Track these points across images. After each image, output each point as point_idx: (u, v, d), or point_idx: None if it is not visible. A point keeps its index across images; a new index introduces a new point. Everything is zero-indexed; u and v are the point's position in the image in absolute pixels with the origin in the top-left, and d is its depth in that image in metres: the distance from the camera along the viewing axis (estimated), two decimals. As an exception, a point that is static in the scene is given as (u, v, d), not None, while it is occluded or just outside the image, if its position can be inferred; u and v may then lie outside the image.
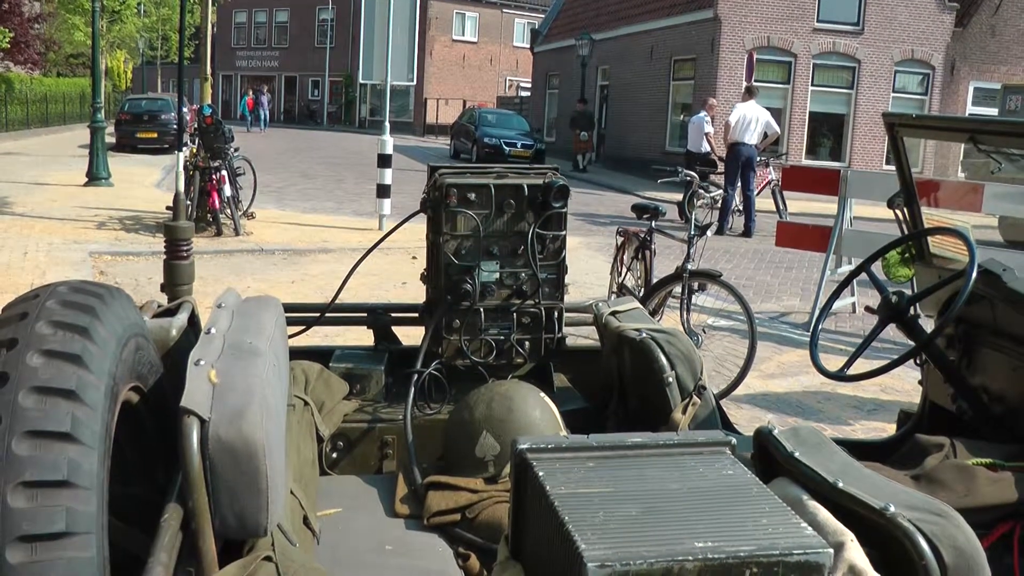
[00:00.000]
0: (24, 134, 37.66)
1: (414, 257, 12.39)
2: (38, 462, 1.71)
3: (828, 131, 32.86)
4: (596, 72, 39.65)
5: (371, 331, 3.72)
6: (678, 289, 8.36)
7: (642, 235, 9.28)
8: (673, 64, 34.19)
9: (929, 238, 3.95)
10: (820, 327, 3.99)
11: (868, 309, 3.82)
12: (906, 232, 4.04)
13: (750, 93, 19.99)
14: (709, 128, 20.92)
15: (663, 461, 2.05)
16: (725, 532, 1.72)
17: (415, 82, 18.19)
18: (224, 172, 14.73)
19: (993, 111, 21.65)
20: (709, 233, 8.91)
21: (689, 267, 8.25)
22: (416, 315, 3.69)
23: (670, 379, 3.02)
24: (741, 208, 19.43)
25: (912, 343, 3.59)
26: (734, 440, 2.14)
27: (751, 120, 19.22)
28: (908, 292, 3.67)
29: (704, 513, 1.80)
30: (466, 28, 65.08)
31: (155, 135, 32.31)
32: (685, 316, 8.26)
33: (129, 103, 34.09)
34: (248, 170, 16.20)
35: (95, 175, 20.93)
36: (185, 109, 35.75)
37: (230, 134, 15.46)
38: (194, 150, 15.41)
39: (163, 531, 1.88)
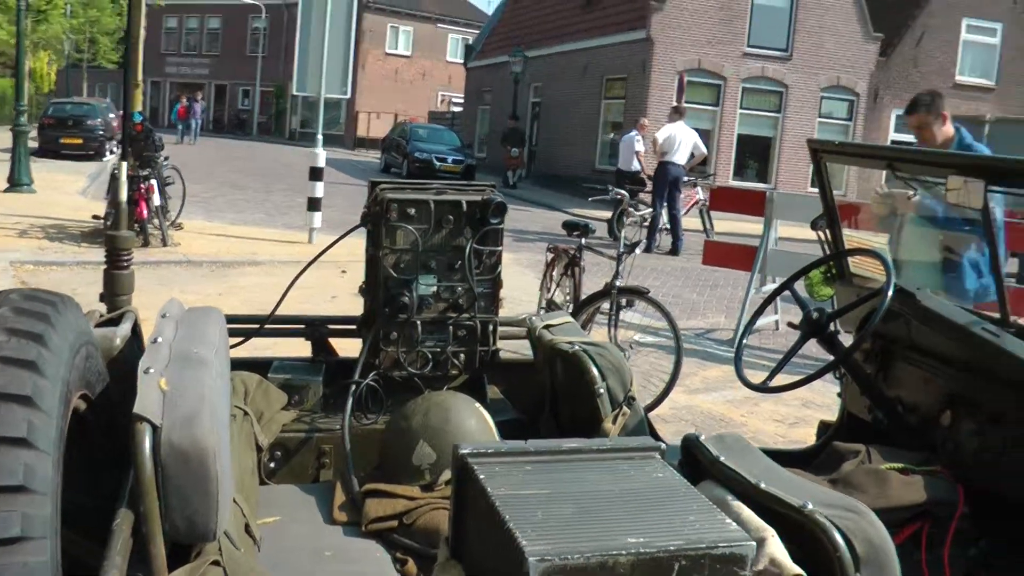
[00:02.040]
0: (-58, 138, 37.00)
1: (343, 271, 12.41)
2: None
3: (755, 153, 33.34)
4: (528, 89, 39.85)
5: (308, 343, 3.80)
6: (606, 305, 8.50)
7: (572, 252, 9.42)
8: (605, 83, 34.51)
9: (849, 258, 4.11)
10: (744, 342, 4.13)
11: (791, 325, 3.96)
12: (828, 252, 4.20)
13: (678, 113, 20.28)
14: (640, 147, 21.17)
15: (597, 465, 2.16)
16: (655, 529, 1.83)
17: (349, 95, 18.21)
18: (153, 181, 14.57)
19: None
20: (637, 251, 9.07)
21: (617, 284, 8.40)
22: (354, 327, 3.76)
23: (601, 390, 3.13)
24: (668, 227, 19.65)
25: (832, 357, 3.74)
26: (663, 446, 2.26)
27: (679, 140, 19.50)
28: (828, 310, 3.82)
29: (636, 512, 1.91)
30: (400, 42, 65.03)
31: (80, 141, 31.76)
32: (613, 332, 8.40)
33: (53, 107, 33.37)
34: (177, 179, 16.11)
35: (17, 181, 20.44)
36: (112, 115, 35.42)
37: (160, 142, 15.38)
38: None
39: (115, 536, 1.93)
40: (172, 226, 15.32)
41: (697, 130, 29.87)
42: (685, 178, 20.52)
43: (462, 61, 54.23)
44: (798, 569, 1.98)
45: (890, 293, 3.42)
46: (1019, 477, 3.18)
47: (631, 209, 11.79)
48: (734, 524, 1.93)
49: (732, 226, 19.67)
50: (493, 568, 1.88)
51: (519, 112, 37.20)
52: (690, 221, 21.13)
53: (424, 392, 3.45)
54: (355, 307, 3.94)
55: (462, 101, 54.46)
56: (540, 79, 39.49)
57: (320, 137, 16.66)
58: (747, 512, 2.07)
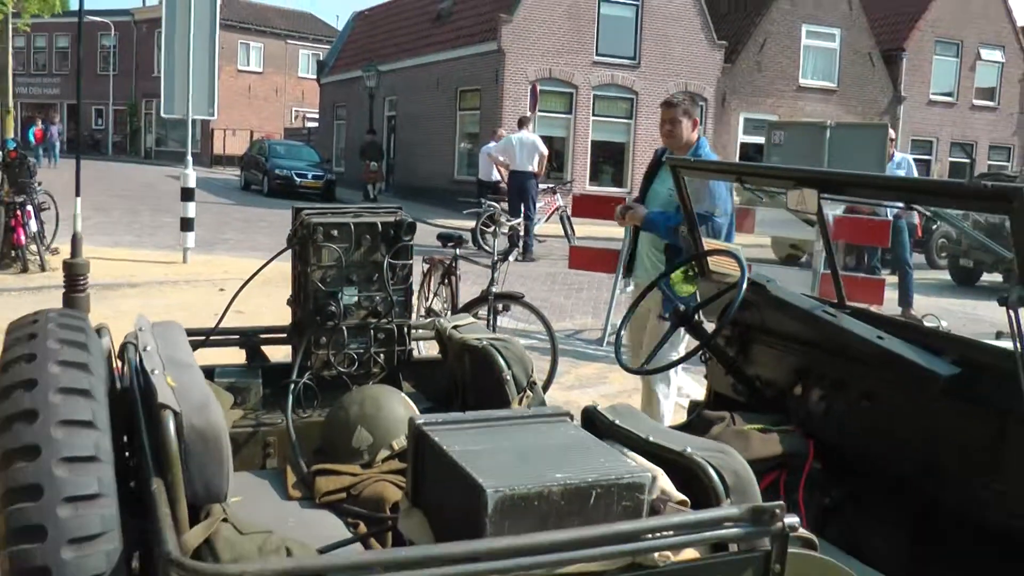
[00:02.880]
0: None
1: (221, 289, 12.78)
2: (72, 443, 2.27)
3: (610, 159, 34.28)
4: (384, 103, 40.25)
5: (243, 351, 4.29)
6: (484, 311, 9.08)
7: (448, 262, 9.99)
8: (459, 95, 35.07)
9: (709, 258, 4.76)
10: (621, 333, 4.77)
11: (661, 317, 4.60)
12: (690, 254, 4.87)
13: (521, 124, 20.86)
14: (501, 157, 21.72)
15: (523, 428, 2.76)
16: (576, 468, 2.42)
17: (216, 116, 18.49)
18: (29, 207, 14.78)
19: (761, 140, 23.33)
20: (511, 258, 9.68)
21: (494, 290, 9.00)
22: (282, 336, 4.27)
23: (508, 377, 3.69)
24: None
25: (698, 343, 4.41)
26: (571, 413, 2.87)
27: (519, 148, 20.08)
28: (693, 304, 4.49)
29: (559, 458, 2.50)
30: (251, 58, 64.85)
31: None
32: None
33: (-94, 136, 32.85)
34: (51, 204, 16.24)
35: None
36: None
37: (34, 168, 15.50)
38: (-5, 186, 15.42)
39: (158, 497, 2.44)
40: (49, 251, 15.45)
41: (552, 138, 30.68)
42: (543, 185, 21.19)
43: (315, 77, 54.33)
44: (683, 496, 2.57)
45: (744, 285, 4.08)
46: (861, 433, 3.86)
47: (503, 220, 12.39)
48: (634, 463, 2.54)
49: (591, 230, 20.40)
50: (451, 507, 2.44)
51: (376, 126, 37.58)
52: (552, 227, 21.82)
53: (351, 388, 3.99)
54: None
55: (317, 116, 54.54)
56: (395, 93, 39.90)
57: (190, 158, 16.93)
58: (640, 459, 2.66)
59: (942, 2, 40.15)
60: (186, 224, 16.51)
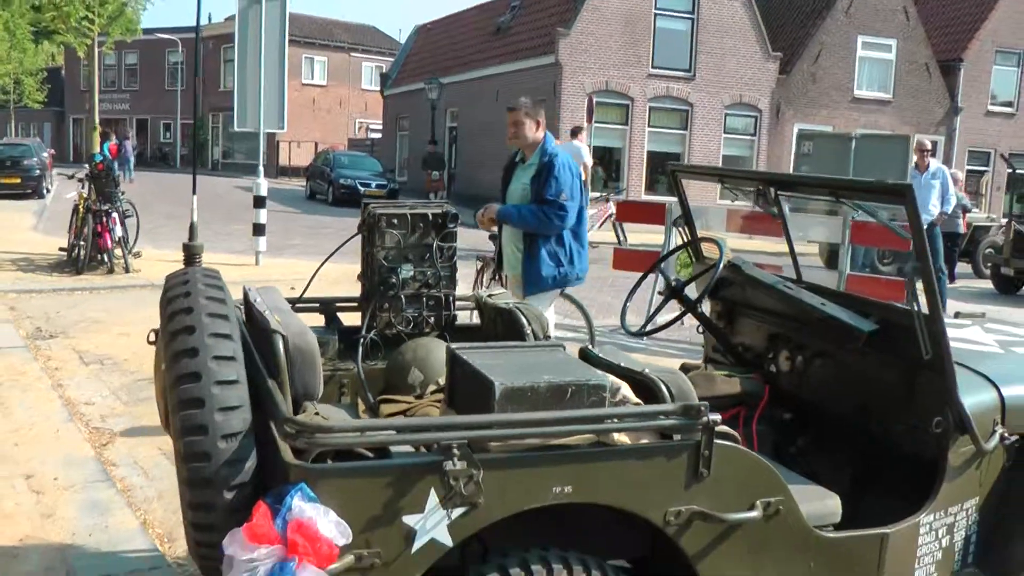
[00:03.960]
0: None
1: (292, 287, 13.87)
2: (224, 372, 3.26)
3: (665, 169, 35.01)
4: (445, 114, 41.33)
5: (322, 316, 5.34)
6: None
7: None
8: (519, 107, 35.98)
9: (703, 245, 5.77)
10: (627, 306, 5.80)
11: (660, 293, 5.64)
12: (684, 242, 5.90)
13: (574, 133, 21.80)
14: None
15: (526, 351, 3.83)
16: (559, 374, 3.44)
17: (286, 129, 19.66)
18: (115, 214, 16.09)
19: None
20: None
21: (539, 284, 10.03)
22: (353, 304, 5.31)
23: (528, 331, 4.69)
24: None
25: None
26: (565, 345, 3.92)
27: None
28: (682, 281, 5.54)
29: (548, 368, 3.51)
30: (315, 72, 66.17)
31: (18, 180, 32.82)
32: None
33: (-9, 149, 34.39)
34: (133, 212, 17.52)
35: (-27, 221, 21.76)
36: (46, 154, 36.33)
37: (118, 179, 16.84)
38: (83, 194, 16.72)
39: (274, 390, 3.45)
40: (132, 254, 16.72)
41: (608, 148, 31.60)
42: (595, 194, 22.14)
43: (378, 89, 55.46)
44: (639, 400, 3.59)
45: (720, 265, 5.12)
46: (810, 381, 4.87)
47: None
48: (601, 374, 3.57)
49: (644, 237, 21.30)
50: (472, 400, 3.45)
51: (437, 136, 38.69)
52: (606, 234, 22.79)
53: (408, 342, 5.03)
54: (360, 289, 5.48)
55: (380, 127, 55.66)
56: (456, 104, 40.98)
57: (262, 168, 18.17)
58: (612, 376, 3.67)
59: (1002, 11, 39.90)
60: (258, 229, 17.76)
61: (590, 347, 4.12)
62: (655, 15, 33.81)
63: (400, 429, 3.28)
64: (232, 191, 39.56)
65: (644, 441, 3.48)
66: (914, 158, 15.76)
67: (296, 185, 49.18)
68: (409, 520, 3.13)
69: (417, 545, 3.15)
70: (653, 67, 33.92)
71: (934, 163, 16.07)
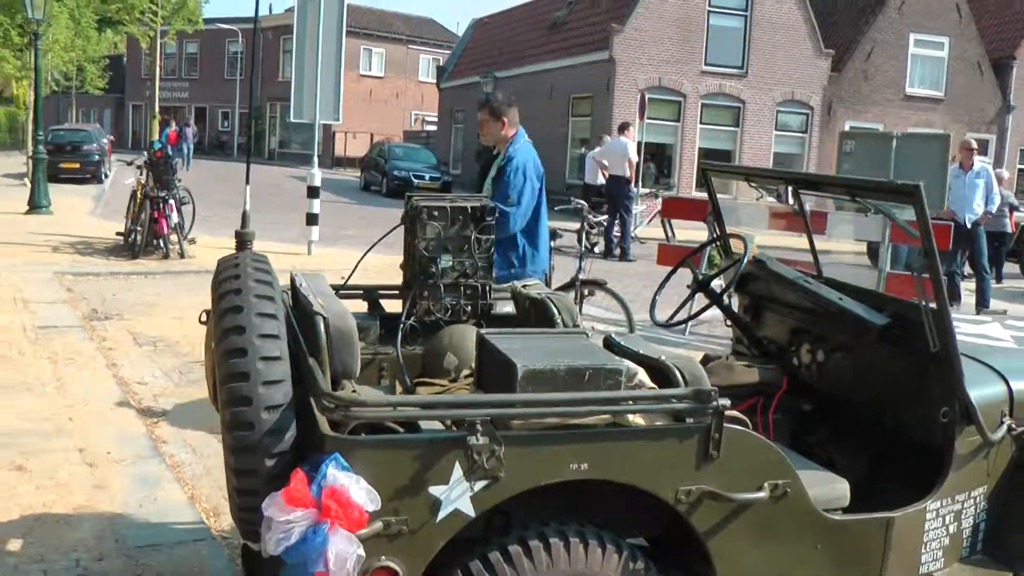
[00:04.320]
0: (-60, 164, 38.43)
1: (343, 277, 14.16)
2: (268, 349, 3.51)
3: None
4: (500, 108, 41.51)
5: (366, 303, 5.60)
6: (572, 295, 10.37)
7: (543, 253, 11.30)
8: (572, 102, 36.31)
9: (731, 240, 5.98)
10: (656, 298, 6.02)
11: (688, 286, 5.87)
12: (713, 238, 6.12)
13: (621, 129, 21.98)
14: (605, 161, 22.82)
15: (550, 337, 4.07)
16: (578, 358, 3.67)
17: (341, 121, 19.99)
18: (171, 201, 16.48)
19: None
20: (596, 250, 10.97)
21: (580, 276, 10.28)
22: (394, 292, 5.57)
23: (558, 320, 4.91)
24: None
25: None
26: (588, 332, 4.15)
27: (614, 153, 21.28)
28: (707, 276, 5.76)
29: (569, 352, 3.74)
30: (372, 63, 66.67)
31: (78, 165, 33.62)
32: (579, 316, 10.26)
33: (52, 134, 34.70)
34: (190, 199, 17.92)
35: (36, 204, 22.31)
36: (105, 140, 36.99)
37: (175, 167, 17.25)
38: (141, 180, 17.14)
39: (314, 367, 3.73)
40: (187, 241, 17.12)
41: (660, 144, 31.74)
42: (646, 190, 22.31)
43: (434, 81, 55.78)
44: (654, 385, 3.81)
45: (744, 260, 5.33)
46: (828, 372, 5.07)
47: (589, 217, 13.59)
48: (619, 358, 3.80)
49: (692, 234, 21.46)
50: (498, 381, 3.69)
51: (491, 130, 38.90)
52: (655, 230, 22.95)
53: (445, 328, 5.28)
54: (401, 278, 5.74)
55: (435, 120, 55.96)
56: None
57: (316, 159, 18.49)
58: (629, 362, 3.90)
59: (1057, 9, 39.37)
60: (311, 219, 18.12)
61: (613, 336, 4.34)
62: (709, 12, 33.96)
63: (427, 405, 3.54)
64: (287, 180, 39.99)
65: (658, 423, 3.70)
66: (958, 156, 15.79)
67: (351, 176, 49.61)
68: (435, 491, 3.37)
69: (442, 515, 3.40)
70: (706, 64, 34.08)
71: (978, 162, 16.11)
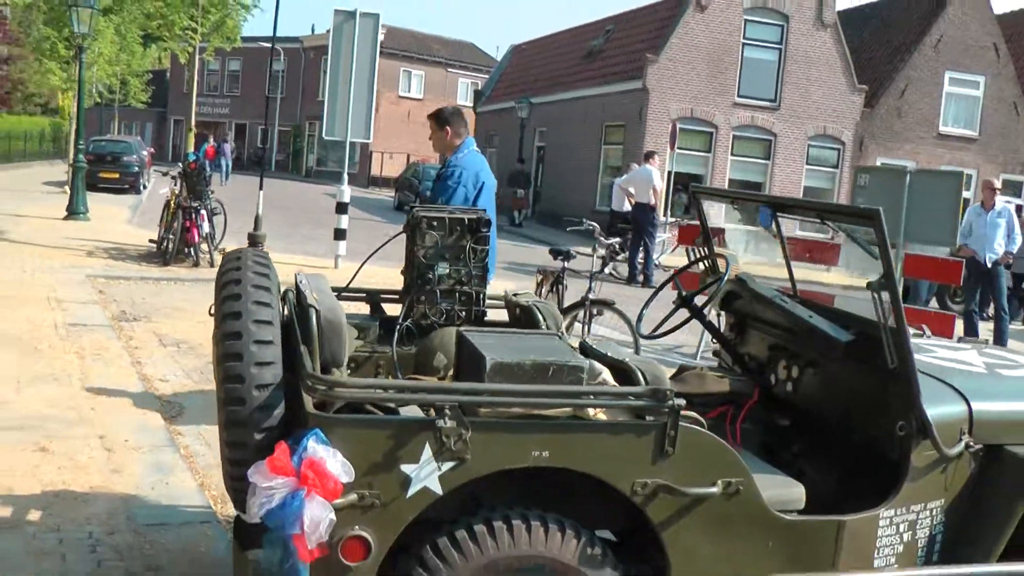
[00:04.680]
0: (-12, 170, 39.24)
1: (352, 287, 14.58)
2: (261, 334, 3.88)
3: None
4: (534, 133, 42.03)
5: (368, 305, 5.97)
6: (582, 314, 10.73)
7: (556, 273, 11.67)
8: (604, 130, 36.61)
9: (717, 259, 6.31)
10: (643, 313, 6.36)
11: (674, 302, 6.20)
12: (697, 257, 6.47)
13: (647, 157, 22.28)
14: (631, 188, 23.10)
15: (524, 336, 4.44)
16: (544, 355, 4.02)
17: (371, 140, 20.46)
18: (203, 211, 16.99)
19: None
20: (606, 270, 11.31)
21: (590, 296, 10.63)
22: (395, 296, 5.93)
23: (541, 324, 5.27)
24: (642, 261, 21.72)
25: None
26: (562, 332, 4.50)
27: (640, 180, 21.61)
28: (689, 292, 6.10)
29: (537, 350, 4.10)
30: (412, 85, 67.27)
31: (117, 175, 34.36)
32: (587, 334, 10.61)
33: (93, 144, 35.33)
34: (221, 210, 18.41)
35: (74, 210, 22.90)
36: (145, 152, 37.65)
37: (209, 178, 17.76)
38: (175, 190, 17.63)
39: (304, 354, 4.06)
40: (217, 250, 17.58)
41: (690, 174, 31.99)
42: (672, 218, 22.60)
43: (471, 105, 56.29)
44: (614, 381, 4.16)
45: (725, 278, 5.67)
46: (799, 386, 5.38)
47: (600, 239, 13.91)
48: (582, 357, 4.15)
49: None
50: (470, 372, 4.05)
51: (525, 155, 39.48)
52: (679, 258, 23.19)
53: (437, 330, 5.64)
54: (401, 283, 6.11)
55: (472, 143, 56.38)
56: (544, 124, 41.66)
57: (346, 176, 18.97)
58: (597, 363, 4.24)
59: (1095, 52, 39.06)
60: (339, 234, 18.62)
61: (587, 341, 4.69)
62: (743, 45, 34.19)
63: (401, 389, 3.92)
64: (322, 197, 40.50)
65: (619, 419, 4.04)
66: (969, 194, 16.02)
67: (385, 195, 50.14)
68: (406, 469, 3.73)
69: (412, 491, 3.75)
70: (738, 96, 34.27)
71: (1000, 201, 16.33)
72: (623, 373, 4.26)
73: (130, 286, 14.74)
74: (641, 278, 20.92)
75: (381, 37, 19.09)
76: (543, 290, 11.94)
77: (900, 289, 12.86)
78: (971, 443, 4.64)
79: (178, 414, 8.32)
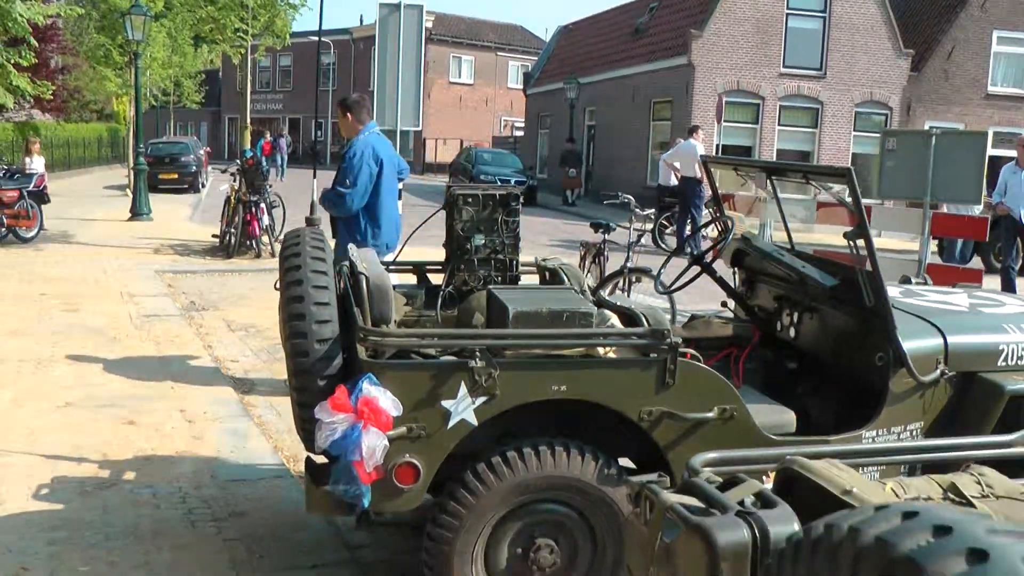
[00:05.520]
0: (50, 177, 40.16)
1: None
2: (319, 296, 4.58)
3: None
4: (584, 113, 42.48)
5: (415, 275, 6.68)
6: (622, 282, 11.37)
7: (598, 245, 12.31)
8: (652, 106, 37.00)
9: (727, 221, 6.93)
10: (662, 271, 7.00)
11: (687, 259, 6.85)
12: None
13: (691, 132, 22.66)
14: (676, 163, 23.51)
15: (544, 291, 5.16)
16: (559, 304, 4.68)
17: (421, 127, 21.10)
18: (263, 205, 17.81)
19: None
20: (643, 240, 11.93)
21: (628, 265, 11.27)
22: (439, 266, 6.62)
23: (566, 283, 5.93)
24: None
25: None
26: (576, 288, 5.17)
27: (685, 155, 22.00)
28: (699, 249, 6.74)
29: (554, 301, 4.77)
30: (463, 71, 67.83)
31: (175, 176, 35.27)
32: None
33: (151, 146, 36.27)
34: (280, 203, 19.23)
35: (138, 211, 23.87)
36: (202, 152, 38.59)
37: (267, 173, 18.57)
38: (235, 186, 18.44)
39: (358, 314, 4.77)
40: (278, 241, 18.34)
41: (738, 147, 32.29)
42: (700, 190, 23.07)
43: (522, 87, 56.75)
44: (622, 325, 4.82)
45: (730, 237, 6.30)
46: (807, 333, 5.99)
47: (636, 211, 14.48)
48: (592, 305, 4.82)
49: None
50: (498, 322, 4.73)
51: (575, 135, 39.91)
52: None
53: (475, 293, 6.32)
54: (444, 254, 6.79)
55: (523, 125, 56.88)
56: (594, 104, 42.11)
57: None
58: (605, 309, 4.90)
59: None
60: (391, 219, 19.33)
61: (603, 294, 5.37)
62: (787, 15, 34.34)
63: (439, 336, 4.61)
64: (376, 187, 41.12)
65: (627, 356, 4.71)
66: (997, 152, 16.34)
67: (440, 181, 50.65)
68: (446, 404, 4.42)
69: (451, 423, 4.44)
70: (784, 66, 34.43)
71: (1027, 159, 16.63)
72: (630, 319, 4.92)
73: (197, 279, 15.58)
74: (689, 249, 21.27)
75: (429, 24, 19.74)
76: (587, 262, 12.57)
77: (929, 247, 13.48)
78: (946, 371, 5.19)
79: (250, 389, 9.07)
